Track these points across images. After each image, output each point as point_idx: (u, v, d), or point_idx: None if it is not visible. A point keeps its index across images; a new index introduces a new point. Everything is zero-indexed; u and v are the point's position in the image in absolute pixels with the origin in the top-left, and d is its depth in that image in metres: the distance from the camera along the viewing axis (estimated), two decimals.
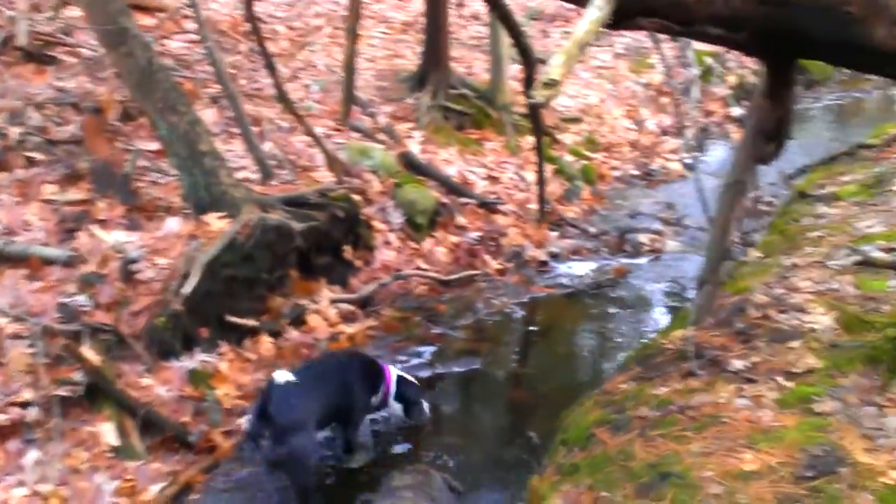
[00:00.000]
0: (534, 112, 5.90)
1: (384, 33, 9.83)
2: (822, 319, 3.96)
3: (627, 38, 10.83)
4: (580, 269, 6.08)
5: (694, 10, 3.26)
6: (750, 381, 3.57)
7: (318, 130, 6.58)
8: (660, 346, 4.31)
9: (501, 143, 7.40)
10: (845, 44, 3.12)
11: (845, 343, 3.70)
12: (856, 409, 3.25)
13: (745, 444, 3.15)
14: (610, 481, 3.22)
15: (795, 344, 3.77)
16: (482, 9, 9.64)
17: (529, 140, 7.57)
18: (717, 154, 9.09)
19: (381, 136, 6.74)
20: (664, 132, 9.10)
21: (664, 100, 9.80)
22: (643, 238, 6.50)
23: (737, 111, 10.21)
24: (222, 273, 4.51)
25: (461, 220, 6.29)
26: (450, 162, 6.84)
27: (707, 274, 4.28)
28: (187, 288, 4.20)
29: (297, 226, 4.81)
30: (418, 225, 6.04)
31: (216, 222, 4.66)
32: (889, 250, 4.50)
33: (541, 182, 6.34)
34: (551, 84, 2.98)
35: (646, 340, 5.04)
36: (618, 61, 10.30)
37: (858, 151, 6.81)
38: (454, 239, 6.16)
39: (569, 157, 7.70)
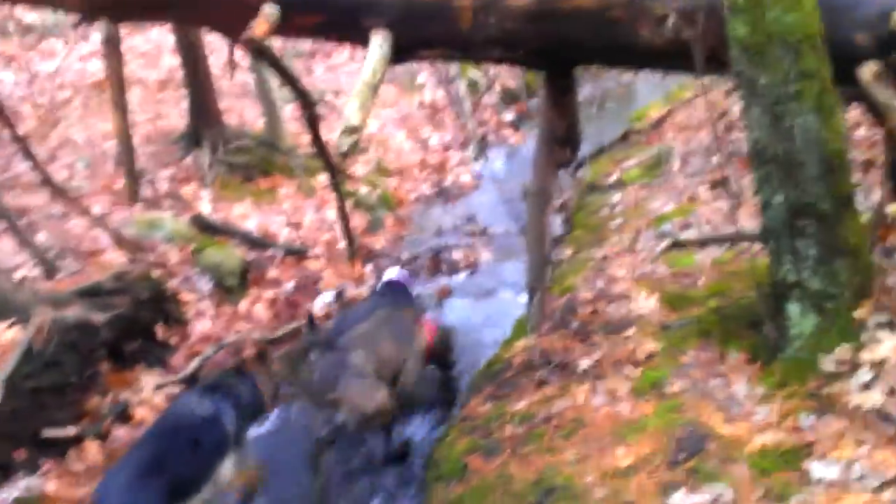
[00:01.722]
0: (322, 152, 5.77)
1: (141, 95, 9.35)
2: (647, 304, 4.17)
3: None
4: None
5: (469, 37, 3.34)
6: (599, 377, 3.69)
7: (96, 210, 6.13)
8: (505, 360, 4.35)
9: (294, 187, 7.23)
10: (616, 47, 3.30)
11: (675, 322, 3.91)
12: (704, 383, 3.43)
13: (615, 440, 3.24)
14: None
15: (630, 332, 3.94)
16: (239, 57, 9.45)
17: (321, 179, 7.49)
18: (500, 159, 9.40)
19: (167, 203, 6.38)
20: (447, 147, 9.30)
21: (441, 116, 10.02)
22: (456, 255, 6.57)
23: (508, 116, 10.64)
24: (25, 386, 4.05)
25: (272, 273, 6.07)
26: (246, 216, 6.59)
27: (534, 281, 4.38)
28: None
29: (99, 317, 4.42)
30: (229, 287, 5.76)
31: (6, 333, 4.19)
32: (686, 226, 4.85)
33: (344, 219, 6.21)
34: (352, 130, 2.96)
35: (487, 356, 5.07)
36: (388, 87, 10.38)
37: (630, 136, 7.26)
38: (270, 294, 5.92)
39: (364, 189, 7.65)
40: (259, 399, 4.00)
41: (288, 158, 7.46)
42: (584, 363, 3.79)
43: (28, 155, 5.23)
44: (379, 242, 6.98)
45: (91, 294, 4.62)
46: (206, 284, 5.58)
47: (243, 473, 3.81)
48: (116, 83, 3.70)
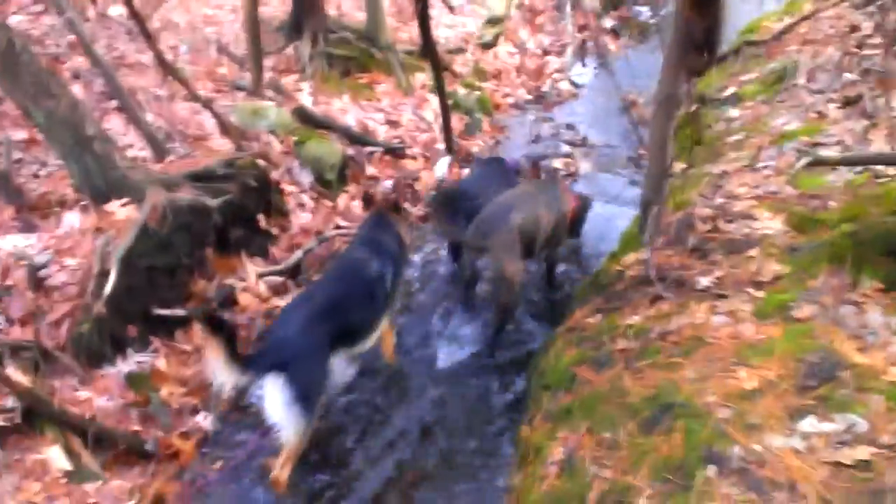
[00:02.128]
0: (430, 46, 5.62)
1: None
2: (772, 224, 3.97)
3: None
4: None
5: None
6: (721, 296, 3.54)
7: (201, 94, 6.10)
8: (615, 273, 4.24)
9: (392, 84, 7.09)
10: None
11: (803, 245, 3.71)
12: (835, 310, 3.25)
13: (738, 361, 3.11)
14: (609, 421, 3.13)
15: (754, 252, 3.76)
16: None
17: (419, 78, 7.34)
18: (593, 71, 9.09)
19: (268, 93, 6.30)
20: (546, 52, 9.00)
21: (539, 19, 9.68)
22: (556, 163, 6.40)
23: (609, 22, 10.23)
24: (140, 265, 4.09)
25: (371, 170, 6.00)
26: (345, 111, 6.49)
27: (651, 193, 4.19)
28: (107, 288, 3.79)
29: (212, 202, 4.41)
30: (328, 181, 5.72)
31: (121, 210, 4.22)
32: (815, 145, 4.58)
33: (446, 120, 6.11)
34: (496, 21, 2.79)
35: (592, 268, 4.97)
36: None
37: (744, 49, 6.87)
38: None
39: (462, 90, 7.47)
40: (405, 253, 4.25)
41: (387, 54, 7.28)
42: (704, 281, 3.65)
43: (145, 34, 5.16)
44: (475, 145, 6.84)
45: (202, 178, 4.62)
46: (306, 177, 5.55)
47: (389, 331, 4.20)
48: None
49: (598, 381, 3.40)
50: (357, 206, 5.70)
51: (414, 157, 6.31)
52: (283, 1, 8.36)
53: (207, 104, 5.26)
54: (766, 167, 4.58)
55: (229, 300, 4.59)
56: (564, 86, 8.36)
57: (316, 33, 6.93)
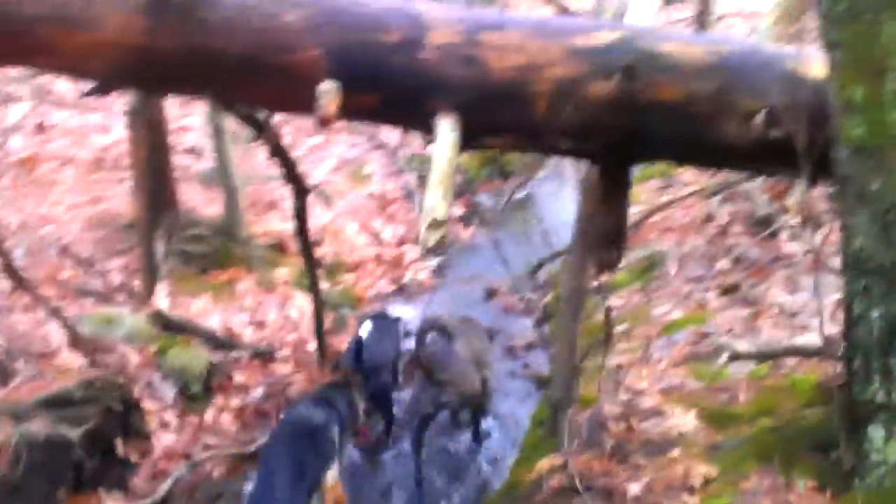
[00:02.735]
0: (306, 245, 5.38)
1: (74, 175, 8.68)
2: (685, 420, 3.90)
3: (340, 148, 10.73)
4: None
5: (541, 125, 3.08)
6: None
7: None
8: (529, 482, 3.95)
9: (254, 280, 6.73)
10: (695, 143, 3.10)
11: (724, 443, 3.63)
12: None
13: None
14: None
15: (675, 453, 3.65)
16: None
17: (280, 273, 7.04)
18: (455, 255, 9.12)
19: (119, 298, 5.78)
20: (401, 242, 8.95)
21: (392, 209, 9.72)
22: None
23: (457, 211, 10.42)
24: None
25: (239, 378, 5.51)
26: (207, 312, 6.04)
27: (562, 394, 4.05)
28: None
29: (72, 433, 3.81)
30: (193, 394, 5.18)
31: None
32: (704, 335, 4.61)
33: (319, 320, 5.78)
34: (438, 224, 2.63)
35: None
36: (334, 175, 10.05)
37: None
38: (236, 402, 5.36)
39: (324, 284, 7.20)
40: (355, 413, 4.63)
41: (246, 249, 6.95)
42: (634, 488, 3.46)
43: None
44: (345, 343, 6.49)
45: (58, 404, 4.02)
46: (169, 391, 5.02)
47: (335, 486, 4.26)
48: (141, 161, 3.22)
49: None
50: (227, 419, 5.17)
51: (284, 360, 5.89)
52: (122, 197, 7.92)
53: (56, 313, 4.68)
54: (661, 359, 4.55)
55: None
56: (423, 275, 8.28)
57: (171, 230, 6.52)
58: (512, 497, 4.02)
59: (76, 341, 4.79)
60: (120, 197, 8.06)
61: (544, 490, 3.78)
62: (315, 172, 9.97)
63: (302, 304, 6.75)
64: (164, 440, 4.77)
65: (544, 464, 3.97)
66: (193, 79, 3.11)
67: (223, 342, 5.73)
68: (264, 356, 5.83)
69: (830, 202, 5.34)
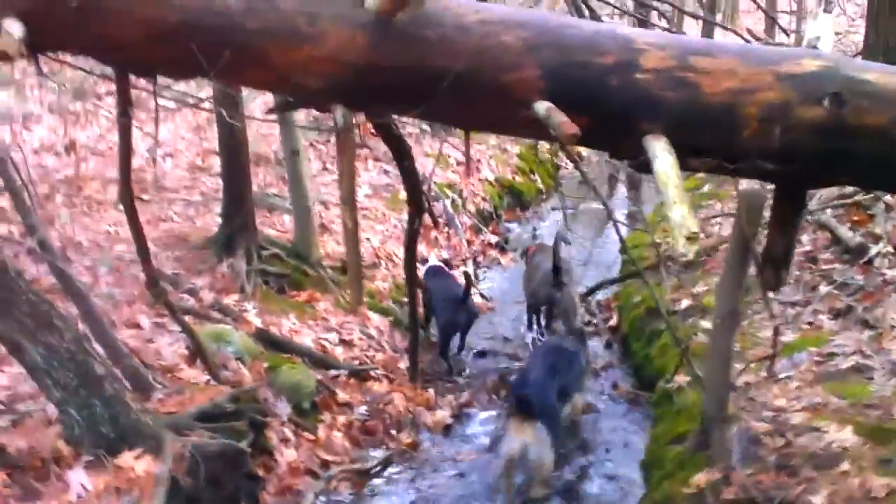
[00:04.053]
0: (411, 266, 5.44)
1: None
2: (843, 436, 3.97)
3: (371, 174, 10.81)
4: (488, 425, 5.62)
5: (746, 147, 3.18)
6: None
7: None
8: (688, 496, 4.01)
9: (330, 301, 6.74)
10: (891, 168, 3.20)
11: (893, 457, 3.70)
12: None
13: None
14: None
15: (846, 466, 3.72)
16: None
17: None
18: (499, 279, 9.22)
19: (214, 315, 5.76)
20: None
21: (432, 234, 9.78)
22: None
23: (491, 238, 10.54)
24: None
25: (342, 395, 5.52)
26: (298, 332, 6.05)
27: (715, 409, 4.13)
28: None
29: (243, 446, 3.80)
30: (304, 411, 5.18)
31: (137, 463, 3.52)
32: (830, 356, 4.72)
33: (415, 338, 5.84)
34: (694, 237, 2.71)
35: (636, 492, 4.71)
36: (372, 201, 10.11)
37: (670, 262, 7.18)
38: (343, 419, 5.38)
39: (393, 305, 7.26)
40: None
41: (319, 271, 6.98)
42: (816, 500, 3.53)
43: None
44: (422, 361, 6.53)
45: (211, 418, 4.02)
46: (284, 408, 4.99)
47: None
48: (348, 177, 3.28)
49: None
50: (337, 436, 5.18)
51: (378, 380, 5.91)
52: (188, 218, 7.92)
53: (189, 330, 4.67)
54: (789, 377, 4.65)
55: None
56: (477, 298, 8.35)
57: (250, 250, 6.54)
58: None
59: (203, 357, 4.76)
60: (175, 217, 8.10)
61: (711, 503, 3.84)
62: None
63: (379, 323, 6.81)
64: (287, 455, 4.75)
65: (701, 478, 4.04)
66: (408, 97, 3.16)
67: (322, 360, 5.75)
68: (360, 374, 5.85)
69: None
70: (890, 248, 5.43)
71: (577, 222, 10.49)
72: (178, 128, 10.97)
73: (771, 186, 3.55)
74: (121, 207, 7.84)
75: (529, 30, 3.14)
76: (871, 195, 6.21)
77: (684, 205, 2.81)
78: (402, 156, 4.42)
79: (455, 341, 6.80)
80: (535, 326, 7.24)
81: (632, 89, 3.10)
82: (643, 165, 3.20)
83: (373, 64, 3.10)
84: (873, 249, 5.48)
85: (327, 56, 3.10)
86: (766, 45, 6.07)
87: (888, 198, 6.04)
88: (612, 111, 3.13)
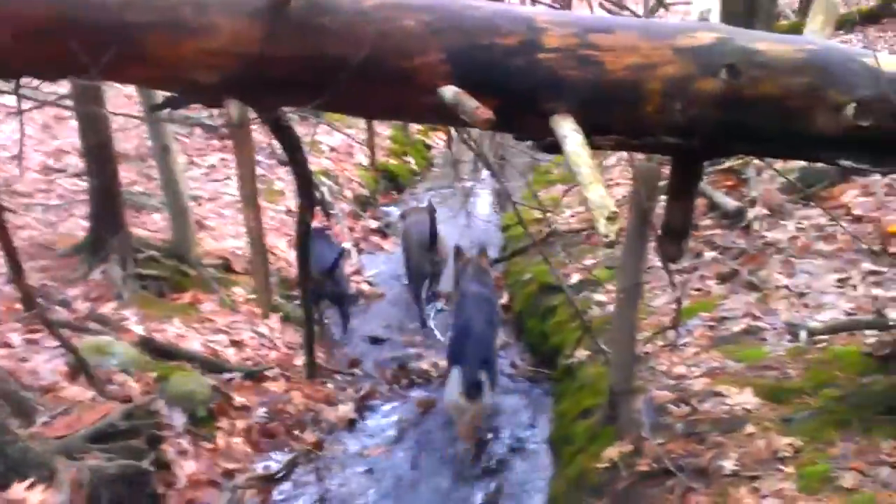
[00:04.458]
0: (303, 262, 5.24)
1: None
2: (744, 399, 4.10)
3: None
4: (392, 416, 5.52)
5: (650, 123, 3.20)
6: (753, 478, 3.53)
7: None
8: (602, 469, 4.05)
9: (215, 302, 6.44)
10: (790, 136, 3.30)
11: (795, 416, 3.86)
12: (875, 474, 3.37)
13: None
14: None
15: (751, 428, 3.84)
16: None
17: (237, 291, 6.79)
18: (384, 264, 9.10)
19: (93, 326, 5.39)
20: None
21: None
22: (424, 364, 6.16)
23: (371, 223, 10.41)
24: None
25: (238, 399, 5.28)
26: (184, 336, 5.73)
27: (622, 382, 4.19)
28: None
29: (145, 465, 3.55)
30: (200, 419, 4.92)
31: (31, 495, 3.22)
32: (722, 320, 4.87)
33: (310, 333, 5.63)
34: (614, 216, 2.70)
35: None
36: None
37: (554, 238, 7.26)
38: (241, 423, 5.14)
39: (281, 300, 7.02)
40: None
41: (200, 271, 6.66)
42: (727, 464, 3.63)
43: None
44: (320, 356, 6.35)
45: (105, 437, 3.74)
46: (179, 418, 4.72)
47: None
48: (249, 175, 3.05)
49: None
50: (237, 442, 4.96)
51: (274, 379, 5.69)
52: (50, 224, 7.39)
53: (69, 346, 4.33)
54: (685, 344, 4.77)
55: None
56: (365, 286, 8.22)
57: (124, 254, 6.15)
58: (586, 485, 4.08)
59: (84, 372, 4.43)
60: (37, 224, 7.54)
61: (625, 476, 3.89)
62: (225, 190, 9.71)
63: (268, 321, 6.56)
64: (186, 468, 4.50)
65: (613, 451, 4.09)
66: (308, 88, 2.99)
67: (214, 364, 5.47)
68: (255, 375, 5.62)
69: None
70: (766, 211, 5.66)
71: (446, 203, 10.59)
72: (22, 127, 10.20)
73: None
74: None
75: (431, 13, 3.04)
76: (742, 160, 6.48)
77: (600, 184, 2.78)
78: (292, 147, 4.21)
79: None
80: (423, 298, 7.25)
81: (536, 69, 3.05)
82: (550, 146, 3.18)
83: (268, 55, 2.92)
84: (750, 213, 5.70)
85: (219, 49, 2.91)
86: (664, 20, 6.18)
87: (757, 161, 6.28)
88: (518, 93, 3.07)
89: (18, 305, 5.47)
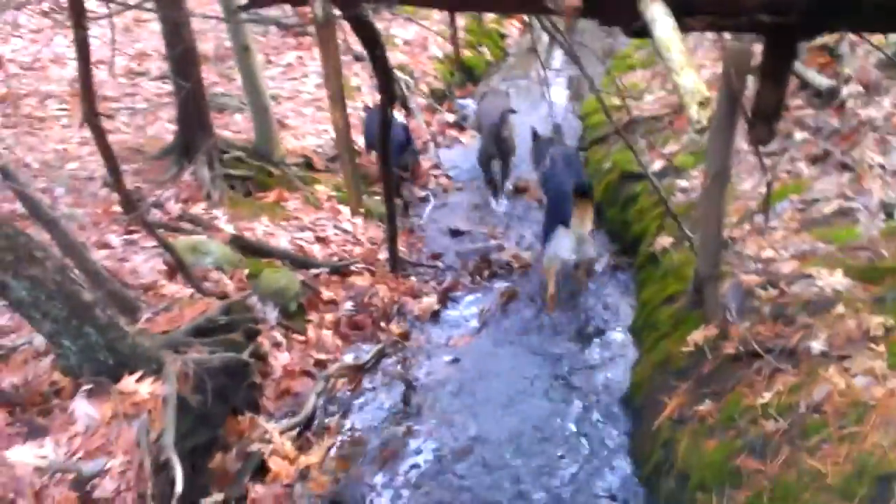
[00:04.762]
0: (385, 153, 5.29)
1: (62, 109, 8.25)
2: (835, 280, 4.01)
3: (317, 64, 10.41)
4: (475, 307, 5.61)
5: (743, 1, 3.04)
6: (843, 357, 3.49)
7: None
8: (689, 353, 4.07)
9: (300, 200, 6.57)
10: (889, 7, 3.10)
11: (887, 295, 3.76)
12: None
13: None
14: None
15: (841, 309, 3.77)
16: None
17: (320, 190, 6.91)
18: (461, 158, 9.06)
19: (185, 226, 5.58)
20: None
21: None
22: (505, 256, 6.21)
23: (448, 116, 10.31)
24: (186, 448, 3.33)
25: (326, 293, 5.45)
26: (273, 234, 5.90)
27: (709, 267, 4.15)
28: (178, 486, 3.03)
29: (245, 356, 3.73)
30: (291, 313, 5.11)
31: (141, 387, 3.43)
32: (813, 202, 4.73)
33: (393, 228, 5.74)
34: (706, 102, 2.61)
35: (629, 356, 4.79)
36: (322, 90, 9.75)
37: (634, 125, 7.10)
38: (330, 317, 5.32)
39: (363, 197, 7.10)
40: None
41: (284, 170, 6.78)
42: (816, 345, 3.58)
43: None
44: (403, 250, 6.46)
45: (206, 332, 3.93)
46: (272, 312, 4.91)
47: None
48: (335, 74, 3.09)
49: (772, 470, 3.19)
50: (327, 335, 5.14)
51: (360, 273, 5.84)
52: (138, 127, 7.59)
53: (168, 246, 4.51)
54: (773, 228, 4.67)
55: (259, 470, 3.87)
56: (444, 179, 8.24)
57: (211, 155, 6.29)
58: (670, 369, 4.11)
59: (181, 270, 4.62)
60: (126, 128, 7.76)
61: (711, 359, 3.90)
62: (302, 88, 9.74)
63: (352, 217, 6.68)
64: (280, 359, 4.72)
65: (698, 335, 4.09)
66: None
67: (301, 261, 5.64)
68: (341, 271, 5.77)
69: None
70: (860, 88, 5.40)
71: (523, 93, 10.43)
72: (102, 33, 10.42)
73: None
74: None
75: None
76: (835, 36, 6.15)
77: (692, 69, 2.68)
78: (373, 44, 4.21)
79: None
80: (494, 180, 7.37)
81: None
82: (639, 31, 3.08)
83: None
84: (844, 91, 5.45)
85: None
86: None
87: (852, 37, 5.95)
88: None
89: (115, 208, 5.73)
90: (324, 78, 3.48)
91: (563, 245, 5.22)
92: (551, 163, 5.88)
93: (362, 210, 6.39)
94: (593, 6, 3.03)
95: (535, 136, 6.71)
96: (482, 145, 7.34)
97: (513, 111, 7.35)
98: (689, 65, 2.70)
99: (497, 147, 7.05)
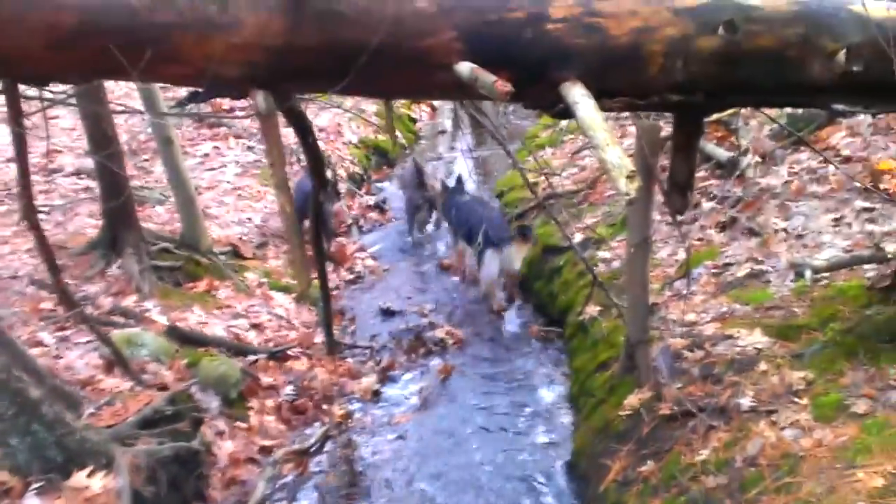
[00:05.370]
0: (317, 237, 5.40)
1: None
2: (754, 339, 4.29)
3: (235, 153, 10.53)
4: (414, 385, 5.71)
5: (653, 83, 3.35)
6: (771, 412, 3.73)
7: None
8: (626, 417, 4.26)
9: (229, 288, 6.60)
10: (787, 85, 3.46)
11: (805, 350, 4.05)
12: (886, 398, 3.58)
13: (847, 465, 3.27)
14: None
15: (765, 366, 4.04)
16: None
17: (250, 276, 6.96)
18: (385, 240, 9.22)
19: (118, 319, 5.54)
20: (336, 235, 8.97)
21: None
22: (438, 333, 6.34)
23: (368, 199, 10.51)
24: None
25: (266, 379, 5.46)
26: (206, 323, 5.89)
27: (639, 333, 4.37)
28: None
29: (198, 445, 3.73)
30: (232, 401, 5.10)
31: (92, 482, 3.39)
32: (725, 266, 5.06)
33: (328, 310, 5.79)
34: (633, 175, 2.87)
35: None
36: (244, 179, 9.85)
37: (552, 200, 7.43)
38: (271, 402, 5.33)
39: (293, 281, 7.17)
40: None
41: (212, 259, 6.81)
42: (744, 402, 3.82)
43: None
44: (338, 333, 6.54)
45: (152, 423, 3.91)
46: (213, 401, 4.90)
47: None
48: (279, 162, 3.20)
49: None
50: (270, 420, 5.15)
51: (297, 357, 5.87)
52: (57, 224, 7.50)
53: (106, 340, 4.48)
54: (693, 292, 4.97)
55: None
56: (370, 262, 8.37)
57: (138, 247, 6.28)
58: (611, 433, 4.28)
59: (120, 363, 4.59)
60: (45, 224, 7.64)
61: (648, 420, 4.10)
62: (221, 178, 9.81)
63: (283, 302, 6.74)
64: (226, 448, 4.69)
65: (633, 399, 4.30)
66: (328, 74, 3.13)
67: (238, 348, 5.65)
68: (278, 356, 5.79)
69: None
70: (758, 158, 5.84)
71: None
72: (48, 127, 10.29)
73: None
74: None
75: None
76: (729, 112, 6.65)
77: (617, 146, 2.94)
78: (304, 132, 4.35)
79: None
80: (415, 226, 8.69)
81: (545, 40, 3.19)
82: (561, 112, 3.34)
83: (291, 45, 3.04)
84: (743, 161, 5.88)
85: (244, 43, 3.02)
86: None
87: (745, 111, 6.45)
88: (528, 64, 3.21)
89: (44, 305, 5.66)
90: (269, 166, 3.61)
91: (493, 267, 6.50)
92: (464, 204, 7.15)
93: (287, 294, 6.45)
94: (518, 91, 3.28)
95: (444, 187, 7.86)
96: (407, 198, 8.63)
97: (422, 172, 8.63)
98: (613, 141, 2.96)
99: (421, 195, 8.28)
